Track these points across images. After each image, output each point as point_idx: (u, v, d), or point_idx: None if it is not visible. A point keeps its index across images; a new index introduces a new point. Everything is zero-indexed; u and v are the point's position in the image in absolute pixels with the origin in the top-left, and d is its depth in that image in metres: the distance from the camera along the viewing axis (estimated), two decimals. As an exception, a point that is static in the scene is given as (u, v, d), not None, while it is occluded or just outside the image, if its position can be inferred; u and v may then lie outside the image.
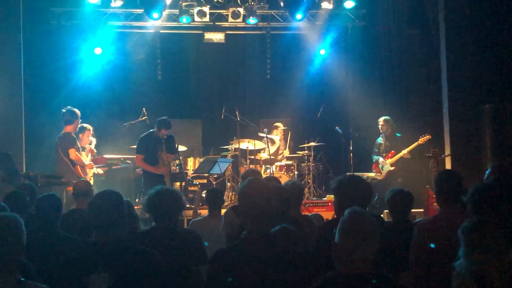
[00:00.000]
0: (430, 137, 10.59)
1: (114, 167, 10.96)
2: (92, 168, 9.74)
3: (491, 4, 10.85)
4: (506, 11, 10.89)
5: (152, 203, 4.33)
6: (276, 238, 3.45)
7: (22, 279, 3.06)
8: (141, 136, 9.79)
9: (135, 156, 9.98)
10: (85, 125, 10.09)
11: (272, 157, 11.69)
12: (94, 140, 10.64)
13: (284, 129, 12.52)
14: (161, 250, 3.92)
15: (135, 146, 9.89)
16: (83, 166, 9.44)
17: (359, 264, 2.85)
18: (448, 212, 4.42)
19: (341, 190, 4.24)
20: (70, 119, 9.46)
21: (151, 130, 9.74)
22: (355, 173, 10.13)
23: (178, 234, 4.33)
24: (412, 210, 5.64)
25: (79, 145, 9.56)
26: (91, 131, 10.27)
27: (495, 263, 3.25)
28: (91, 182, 9.49)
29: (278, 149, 12.38)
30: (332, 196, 10.31)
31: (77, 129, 9.69)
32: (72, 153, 9.23)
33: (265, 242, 3.29)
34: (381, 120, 11.03)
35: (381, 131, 11.05)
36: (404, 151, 10.66)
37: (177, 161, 9.92)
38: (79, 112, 9.57)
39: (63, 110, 9.55)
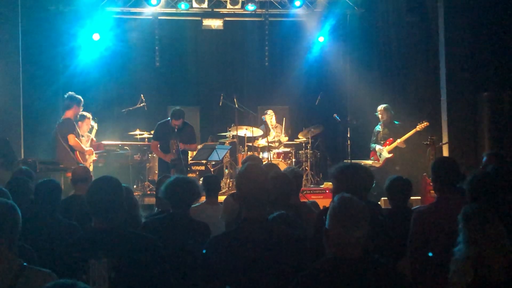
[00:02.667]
0: (428, 124, 10.61)
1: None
2: (92, 154, 9.74)
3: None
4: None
5: (170, 191, 4.56)
6: (273, 224, 3.47)
7: (24, 263, 3.08)
8: (158, 123, 10.08)
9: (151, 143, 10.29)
10: (84, 113, 10.09)
11: (270, 144, 11.71)
12: (95, 126, 10.63)
13: (273, 115, 12.43)
14: (176, 236, 4.28)
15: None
16: (82, 152, 9.44)
17: (350, 249, 2.88)
18: (445, 199, 4.44)
19: (341, 177, 4.25)
20: (69, 104, 9.46)
21: (169, 118, 9.94)
22: (347, 161, 10.17)
23: (193, 222, 4.57)
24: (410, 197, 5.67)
25: (78, 131, 9.55)
26: (91, 119, 10.26)
27: (493, 249, 3.28)
28: (91, 168, 9.50)
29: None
30: (330, 183, 10.33)
31: (78, 115, 9.67)
32: (71, 138, 9.22)
33: (261, 227, 3.31)
34: (380, 108, 11.04)
35: (380, 119, 11.07)
36: (399, 140, 10.69)
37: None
38: (80, 97, 9.53)
39: (65, 96, 9.56)
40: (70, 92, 9.57)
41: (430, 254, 4.24)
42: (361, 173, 4.22)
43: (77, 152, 9.34)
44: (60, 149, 9.34)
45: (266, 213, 3.43)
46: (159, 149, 10.00)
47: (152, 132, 10.67)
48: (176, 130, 9.73)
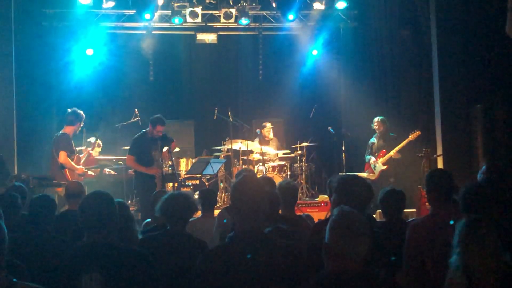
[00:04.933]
0: (419, 133, 10.68)
1: (107, 170, 10.90)
2: (82, 172, 9.43)
3: (482, 5, 10.88)
4: (497, 11, 10.93)
5: (165, 207, 4.54)
6: (268, 236, 3.42)
7: (14, 279, 3.05)
8: (134, 137, 9.67)
9: (126, 157, 9.90)
10: (92, 139, 10.11)
11: (265, 157, 11.70)
12: (99, 143, 10.63)
13: (271, 129, 12.46)
14: (173, 253, 4.28)
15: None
16: (72, 170, 9.30)
17: (349, 262, 2.85)
18: (440, 211, 4.43)
19: (342, 189, 4.20)
20: (72, 120, 9.33)
21: (144, 130, 9.60)
22: (347, 173, 10.15)
23: (190, 239, 4.52)
24: (405, 210, 5.66)
25: (73, 148, 9.45)
26: (97, 144, 10.29)
27: (487, 261, 3.27)
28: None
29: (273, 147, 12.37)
30: (325, 196, 10.29)
31: (77, 131, 9.57)
32: (62, 155, 9.06)
33: (256, 240, 3.21)
34: (376, 119, 11.07)
35: (376, 131, 11.09)
36: (393, 151, 10.72)
37: (169, 162, 9.90)
38: (83, 113, 9.44)
39: (68, 110, 9.42)
40: (74, 108, 9.43)
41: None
42: (362, 186, 4.20)
43: (66, 170, 9.23)
44: (53, 163, 9.27)
45: (261, 226, 3.37)
46: (137, 163, 9.48)
47: None
48: (158, 139, 9.37)
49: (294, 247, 3.35)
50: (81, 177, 9.36)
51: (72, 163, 9.28)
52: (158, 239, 4.50)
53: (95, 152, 10.31)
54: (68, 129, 9.33)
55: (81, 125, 9.53)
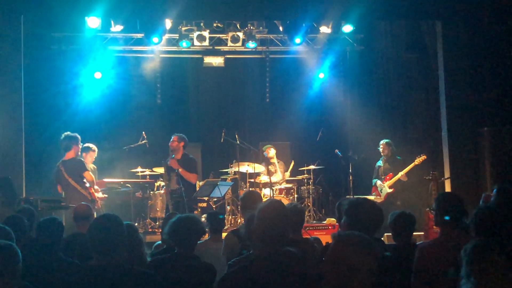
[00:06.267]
0: (425, 157, 10.70)
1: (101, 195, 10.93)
2: (101, 186, 9.68)
3: (489, 28, 10.93)
4: (503, 35, 10.98)
5: (174, 230, 4.57)
6: (286, 260, 3.42)
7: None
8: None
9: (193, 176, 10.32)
10: (90, 145, 10.12)
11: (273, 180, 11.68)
12: (95, 149, 10.67)
13: (275, 151, 12.43)
14: (181, 276, 4.28)
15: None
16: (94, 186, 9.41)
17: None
18: (449, 234, 4.42)
19: (353, 212, 4.20)
20: (68, 145, 9.44)
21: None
22: (357, 196, 10.13)
23: (198, 262, 4.53)
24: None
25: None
26: (96, 151, 10.30)
27: (498, 284, 3.25)
28: (100, 204, 9.47)
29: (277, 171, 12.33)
30: (333, 219, 10.27)
31: (79, 152, 9.66)
32: (88, 175, 9.24)
33: (274, 264, 3.24)
34: (382, 143, 11.11)
35: (382, 154, 11.11)
36: (401, 173, 10.72)
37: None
38: (77, 135, 9.54)
39: (61, 137, 9.52)
40: (66, 133, 9.54)
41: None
42: (372, 209, 4.19)
43: (91, 188, 9.29)
44: (69, 188, 9.29)
45: (278, 249, 3.37)
46: None
47: (154, 169, 11.33)
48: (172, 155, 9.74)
49: (309, 272, 3.36)
50: (100, 196, 9.49)
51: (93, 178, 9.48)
52: (166, 261, 4.50)
53: (91, 157, 10.31)
54: (70, 154, 9.42)
55: (80, 146, 9.62)
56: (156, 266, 4.43)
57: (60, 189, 9.62)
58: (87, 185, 9.29)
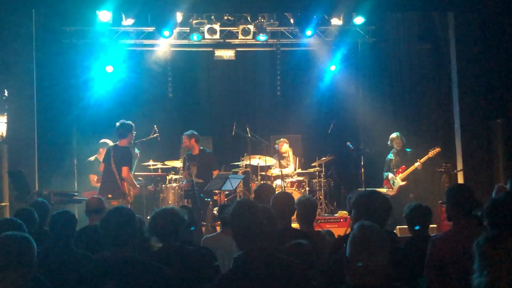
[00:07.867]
0: (439, 149, 10.65)
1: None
2: (137, 192, 9.52)
3: (501, 18, 10.84)
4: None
5: (152, 226, 4.39)
6: (276, 254, 3.45)
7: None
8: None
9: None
10: (107, 140, 10.13)
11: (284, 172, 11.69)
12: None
13: (288, 145, 12.43)
14: (171, 269, 3.98)
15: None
16: (131, 185, 9.28)
17: (371, 277, 2.85)
18: (461, 226, 4.40)
19: (361, 205, 4.21)
20: (123, 132, 9.31)
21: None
22: (365, 189, 10.11)
23: (186, 252, 4.35)
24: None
25: (132, 164, 9.54)
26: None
27: (509, 277, 3.23)
28: (131, 201, 9.37)
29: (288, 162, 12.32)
30: (344, 212, 10.26)
31: (132, 141, 9.62)
32: (125, 170, 9.09)
33: (266, 259, 3.30)
34: (392, 136, 11.08)
35: (395, 147, 11.08)
36: (418, 163, 10.67)
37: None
38: (132, 123, 9.47)
39: (117, 124, 9.38)
40: (122, 120, 9.44)
41: None
42: (380, 201, 4.19)
43: (125, 182, 9.22)
44: (109, 175, 9.20)
45: (270, 245, 3.43)
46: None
47: (165, 162, 11.43)
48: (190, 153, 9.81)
49: (298, 265, 3.42)
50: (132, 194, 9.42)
51: (133, 180, 9.37)
52: (154, 257, 4.31)
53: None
54: (123, 142, 9.32)
55: (134, 135, 9.54)
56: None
57: (95, 181, 9.55)
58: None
